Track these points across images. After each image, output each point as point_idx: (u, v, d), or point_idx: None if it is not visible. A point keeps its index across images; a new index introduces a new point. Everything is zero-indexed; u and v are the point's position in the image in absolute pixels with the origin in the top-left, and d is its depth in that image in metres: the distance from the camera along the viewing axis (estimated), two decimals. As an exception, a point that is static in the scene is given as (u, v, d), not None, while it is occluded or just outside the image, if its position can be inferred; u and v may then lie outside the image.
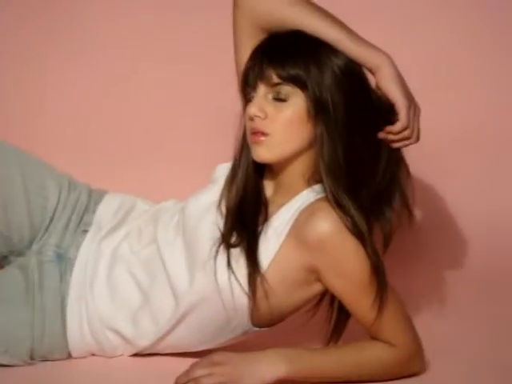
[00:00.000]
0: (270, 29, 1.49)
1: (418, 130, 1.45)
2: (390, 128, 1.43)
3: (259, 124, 1.42)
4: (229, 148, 1.52)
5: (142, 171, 2.24)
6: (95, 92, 2.31)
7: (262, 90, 1.43)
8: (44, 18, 2.31)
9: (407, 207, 1.47)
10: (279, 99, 1.42)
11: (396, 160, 1.46)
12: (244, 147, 1.49)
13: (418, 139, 1.46)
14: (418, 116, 1.45)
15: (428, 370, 1.48)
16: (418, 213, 2.10)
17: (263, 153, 1.43)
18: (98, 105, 2.32)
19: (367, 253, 1.40)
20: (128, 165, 2.27)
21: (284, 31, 1.47)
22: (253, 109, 1.42)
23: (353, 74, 1.44)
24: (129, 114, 2.31)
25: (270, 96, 1.42)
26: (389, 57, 1.44)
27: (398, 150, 1.46)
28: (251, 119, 1.43)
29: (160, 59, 2.30)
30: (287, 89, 1.41)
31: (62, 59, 2.31)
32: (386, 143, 1.45)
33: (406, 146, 1.46)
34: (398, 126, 1.43)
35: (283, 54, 1.43)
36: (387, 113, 1.44)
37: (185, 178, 2.00)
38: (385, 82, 1.43)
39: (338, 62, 1.43)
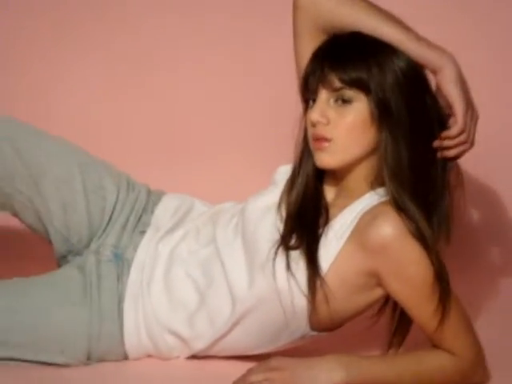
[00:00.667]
0: (331, 30, 1.49)
1: (474, 135, 1.44)
2: (446, 133, 1.43)
3: (322, 130, 1.42)
4: (290, 148, 1.52)
5: (200, 172, 2.26)
6: (148, 93, 2.33)
7: (323, 94, 1.42)
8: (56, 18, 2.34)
9: (447, 224, 1.45)
10: (343, 101, 1.41)
11: (449, 168, 1.46)
12: (305, 151, 1.49)
13: (472, 145, 1.45)
14: (476, 121, 1.45)
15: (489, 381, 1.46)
16: (473, 218, 2.11)
17: (326, 159, 1.43)
18: (158, 106, 2.33)
19: (430, 259, 1.39)
20: (186, 166, 2.28)
21: (344, 33, 1.47)
22: (315, 114, 1.42)
23: (415, 76, 1.44)
24: (186, 114, 2.33)
25: (332, 100, 1.42)
26: (452, 58, 1.43)
27: (454, 159, 1.45)
28: (313, 125, 1.43)
29: (218, 58, 2.31)
30: (350, 93, 1.41)
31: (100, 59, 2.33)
32: (441, 153, 1.44)
33: (462, 153, 1.45)
34: (454, 130, 1.42)
35: (344, 58, 1.42)
36: (445, 117, 1.44)
37: (244, 180, 2.02)
38: (445, 84, 1.42)
39: (399, 63, 1.42)
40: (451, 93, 1.42)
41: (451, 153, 1.44)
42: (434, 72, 1.44)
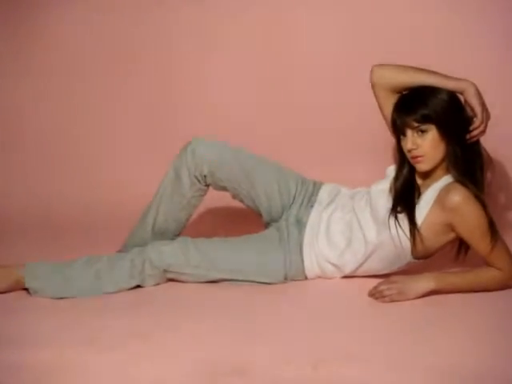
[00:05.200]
0: (399, 90, 2.16)
1: (486, 126, 2.08)
2: (473, 126, 2.07)
3: (416, 152, 2.11)
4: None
5: (343, 170, 2.77)
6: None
7: (409, 132, 2.11)
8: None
9: (483, 189, 2.10)
10: (422, 132, 2.11)
11: (480, 153, 2.11)
12: (401, 160, 2.18)
13: (485, 132, 2.09)
14: (488, 118, 2.09)
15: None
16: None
17: (424, 167, 2.13)
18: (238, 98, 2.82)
19: (486, 212, 2.06)
20: (334, 163, 2.83)
21: (408, 91, 2.13)
22: (409, 145, 2.11)
23: (453, 100, 2.10)
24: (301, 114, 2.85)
25: (416, 134, 2.11)
26: (470, 81, 2.09)
27: (478, 143, 2.10)
28: (409, 151, 2.12)
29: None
30: (424, 126, 2.10)
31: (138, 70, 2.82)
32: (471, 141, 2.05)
33: (480, 136, 2.07)
34: (476, 123, 2.07)
35: (414, 106, 2.09)
36: (471, 120, 2.07)
37: (368, 175, 2.46)
38: (469, 98, 2.08)
39: (442, 95, 2.09)
40: (473, 103, 2.08)
41: (475, 139, 2.09)
42: (461, 93, 2.10)
